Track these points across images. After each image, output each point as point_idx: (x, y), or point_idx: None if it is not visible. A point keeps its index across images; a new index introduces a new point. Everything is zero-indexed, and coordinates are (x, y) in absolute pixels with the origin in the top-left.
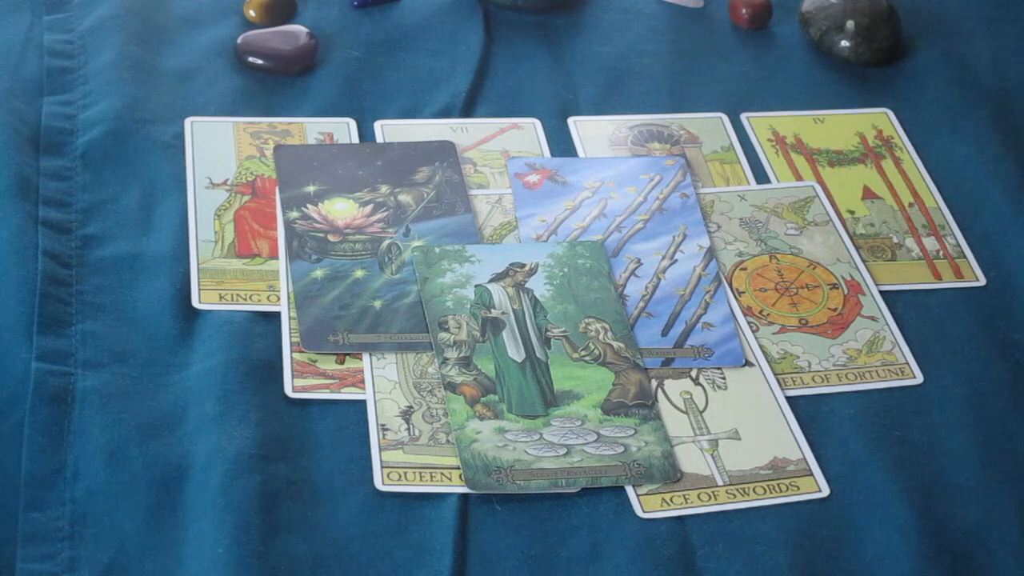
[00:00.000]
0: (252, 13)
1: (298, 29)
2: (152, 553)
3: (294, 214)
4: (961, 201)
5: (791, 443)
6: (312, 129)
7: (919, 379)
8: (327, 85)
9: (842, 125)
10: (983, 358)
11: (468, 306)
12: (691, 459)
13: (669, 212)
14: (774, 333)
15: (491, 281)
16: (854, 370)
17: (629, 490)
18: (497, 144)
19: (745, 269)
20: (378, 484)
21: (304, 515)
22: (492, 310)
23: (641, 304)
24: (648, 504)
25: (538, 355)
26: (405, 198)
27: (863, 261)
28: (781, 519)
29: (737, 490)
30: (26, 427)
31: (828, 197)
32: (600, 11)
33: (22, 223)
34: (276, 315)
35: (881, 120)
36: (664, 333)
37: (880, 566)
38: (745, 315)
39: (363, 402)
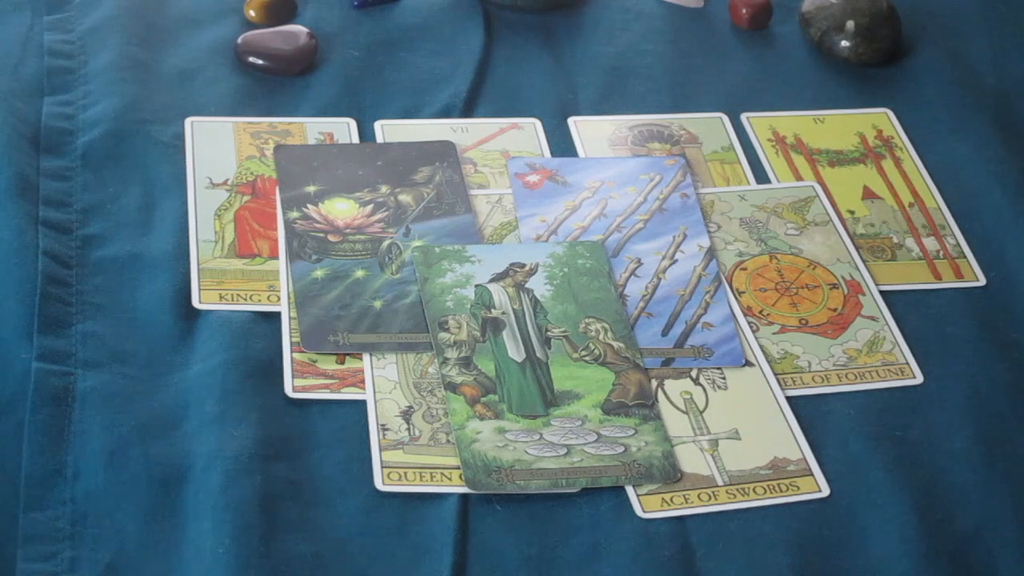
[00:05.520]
0: (252, 13)
1: (298, 29)
2: (152, 553)
3: (294, 214)
4: (961, 201)
5: (791, 443)
6: (312, 129)
7: (919, 379)
8: (327, 85)
9: (842, 125)
10: (983, 358)
11: (468, 306)
12: (691, 459)
13: (669, 212)
14: (774, 333)
15: (491, 281)
16: (854, 370)
17: (629, 490)
18: (497, 144)
19: (745, 269)
20: (378, 484)
21: (304, 515)
22: (492, 310)
23: (641, 304)
24: (648, 504)
25: (538, 355)
26: (405, 198)
27: (863, 261)
28: (781, 519)
29: (737, 490)
30: (26, 427)
31: (828, 197)
32: (600, 11)
33: (22, 223)
34: (276, 315)
35: (881, 120)
36: (664, 333)
37: (880, 566)
38: (745, 315)
39: (363, 402)
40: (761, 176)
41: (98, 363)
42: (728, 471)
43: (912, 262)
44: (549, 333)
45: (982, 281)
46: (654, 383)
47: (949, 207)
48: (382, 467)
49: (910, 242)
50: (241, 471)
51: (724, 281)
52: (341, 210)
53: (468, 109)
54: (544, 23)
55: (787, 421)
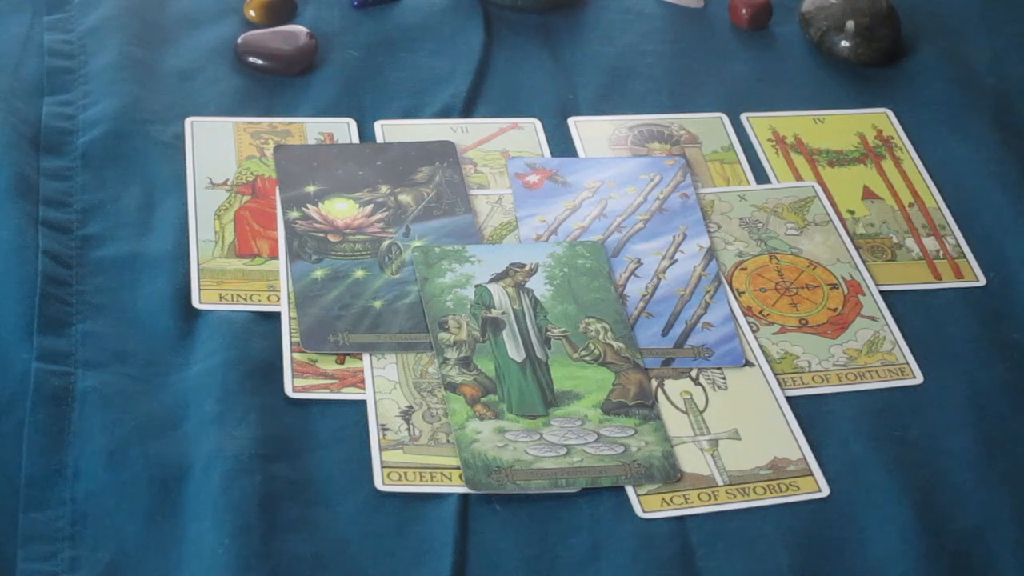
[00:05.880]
0: (252, 13)
1: (298, 29)
2: (152, 553)
3: (294, 214)
4: (961, 201)
5: (791, 443)
6: (312, 129)
7: (919, 379)
8: (327, 85)
9: (842, 125)
10: (983, 358)
11: (468, 306)
12: (691, 459)
13: (669, 212)
14: (774, 333)
15: (491, 281)
16: (854, 370)
17: (629, 490)
18: (497, 144)
19: (745, 269)
20: (378, 484)
21: (304, 515)
22: (492, 310)
23: (641, 304)
24: (648, 504)
25: (538, 355)
26: (405, 198)
27: (863, 261)
28: (781, 519)
29: (737, 490)
30: (26, 427)
31: (828, 197)
32: (600, 11)
33: (22, 223)
34: (276, 315)
35: (881, 120)
36: (664, 333)
37: (880, 566)
38: (745, 315)
39: (363, 402)
40: (761, 176)
41: (98, 363)
42: (728, 471)
43: (912, 262)
44: (549, 333)
45: (982, 281)
46: (654, 383)
47: (949, 207)
48: (382, 467)
49: (910, 242)
50: (241, 471)
51: (724, 281)
52: (341, 210)
53: (468, 109)
54: (544, 23)
55: (787, 421)
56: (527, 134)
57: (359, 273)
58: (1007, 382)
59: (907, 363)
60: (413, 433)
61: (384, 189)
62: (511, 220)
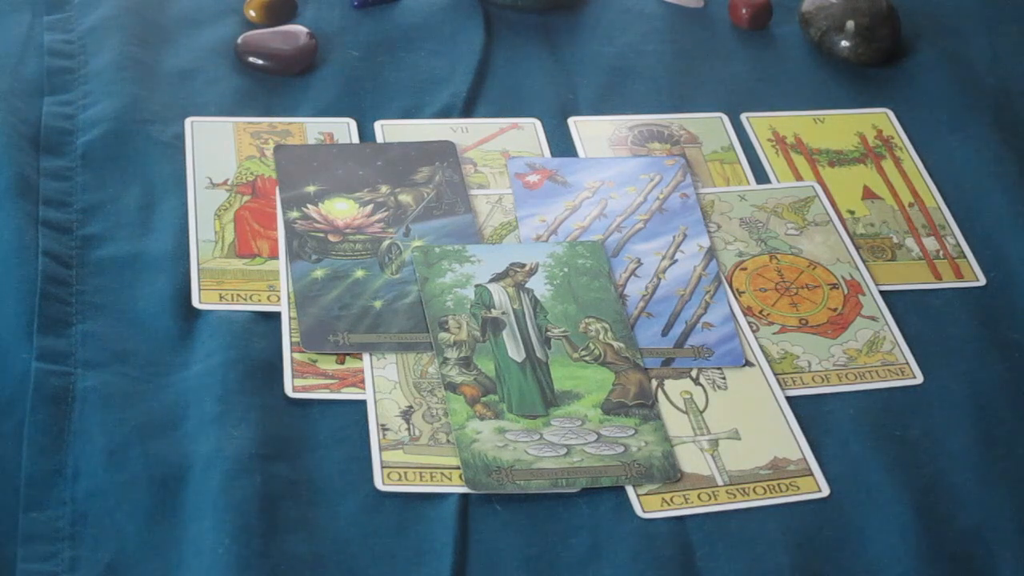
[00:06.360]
0: (252, 13)
1: (298, 29)
2: (152, 553)
3: (294, 214)
4: (961, 201)
5: (791, 443)
6: (312, 129)
7: (919, 379)
8: (327, 85)
9: (842, 125)
10: (983, 358)
11: (468, 306)
12: (691, 459)
13: (669, 212)
14: (774, 333)
15: (491, 281)
16: (854, 370)
17: (629, 490)
18: (497, 144)
19: (745, 269)
20: (378, 484)
21: (304, 515)
22: (492, 310)
23: (641, 304)
24: (648, 504)
25: (538, 355)
26: (405, 198)
27: (863, 261)
28: (781, 519)
29: (737, 490)
30: (26, 427)
31: (828, 197)
32: (600, 11)
33: (22, 223)
34: (276, 315)
35: (881, 120)
36: (664, 333)
37: (880, 566)
38: (745, 315)
39: (363, 402)
40: (761, 176)
41: (98, 363)
42: (728, 471)
43: (912, 262)
44: (549, 333)
45: (982, 281)
46: (654, 383)
47: (949, 207)
48: (382, 467)
49: (910, 242)
50: (241, 471)
51: (724, 281)
52: (341, 210)
53: (468, 109)
54: (544, 23)
55: (787, 421)
56: (527, 134)
57: (359, 273)
58: (1007, 382)
59: (907, 363)
60: (413, 433)
61: (384, 189)
62: (511, 220)
